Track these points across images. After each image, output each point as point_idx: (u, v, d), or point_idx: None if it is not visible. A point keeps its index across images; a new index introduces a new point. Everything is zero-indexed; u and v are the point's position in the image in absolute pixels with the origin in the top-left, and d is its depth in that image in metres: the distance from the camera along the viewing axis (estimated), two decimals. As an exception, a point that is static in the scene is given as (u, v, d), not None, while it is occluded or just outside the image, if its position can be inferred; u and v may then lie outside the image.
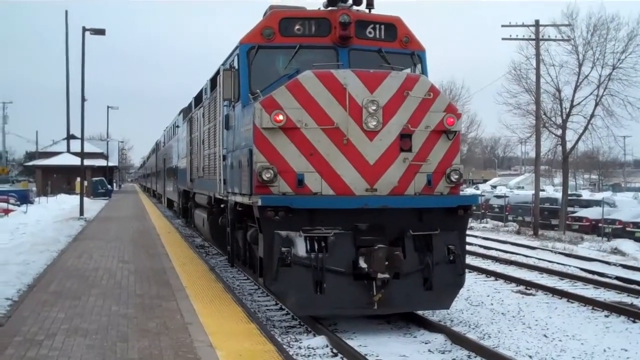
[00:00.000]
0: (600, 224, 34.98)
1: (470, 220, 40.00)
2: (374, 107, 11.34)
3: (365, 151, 11.43)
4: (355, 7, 12.76)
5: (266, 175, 11.21)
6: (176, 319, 10.25)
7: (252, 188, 11.67)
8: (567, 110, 39.27)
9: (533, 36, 37.53)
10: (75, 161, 51.81)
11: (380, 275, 10.96)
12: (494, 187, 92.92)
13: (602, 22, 38.91)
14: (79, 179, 44.17)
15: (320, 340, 10.73)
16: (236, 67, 13.13)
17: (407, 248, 11.41)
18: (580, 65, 38.95)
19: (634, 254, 26.46)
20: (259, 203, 10.98)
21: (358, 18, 12.75)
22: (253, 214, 11.66)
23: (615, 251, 27.49)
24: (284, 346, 9.99)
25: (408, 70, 13.04)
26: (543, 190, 51.27)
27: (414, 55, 13.37)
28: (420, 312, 12.46)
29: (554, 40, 39.01)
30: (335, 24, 12.52)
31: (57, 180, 65.02)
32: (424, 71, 13.29)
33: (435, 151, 11.95)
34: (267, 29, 12.71)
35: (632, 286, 17.48)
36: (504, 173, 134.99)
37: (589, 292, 16.75)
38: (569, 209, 40.89)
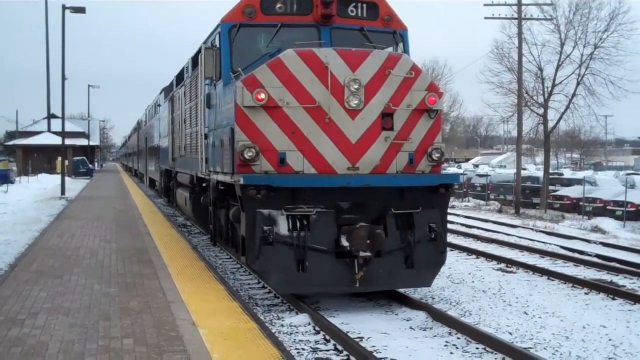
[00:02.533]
0: (581, 203, 35.21)
1: (452, 199, 40.11)
2: (355, 86, 11.35)
3: (347, 130, 11.45)
4: (337, -14, 12.71)
5: (248, 154, 11.20)
6: (158, 297, 10.25)
7: (234, 167, 11.67)
8: (549, 89, 39.33)
9: (515, 15, 37.54)
10: (56, 140, 51.66)
11: (362, 254, 11.02)
12: (476, 166, 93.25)
13: (585, 1, 38.87)
14: (60, 159, 44.07)
15: (302, 318, 10.78)
16: (217, 46, 13.09)
17: (388, 226, 11.47)
18: (562, 45, 38.98)
19: (614, 232, 26.74)
20: (241, 182, 10.98)
21: (340, -4, 12.72)
22: (235, 193, 11.66)
23: (596, 229, 27.75)
24: (267, 324, 10.00)
25: (390, 49, 13.03)
26: (525, 169, 51.48)
27: (395, 34, 13.36)
28: (402, 290, 12.52)
29: (536, 19, 39.01)
30: (317, 2, 12.49)
31: (38, 159, 64.81)
32: (405, 50, 13.28)
33: (417, 130, 11.98)
34: (249, 7, 12.66)
35: (612, 264, 17.67)
36: (486, 152, 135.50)
37: (569, 269, 16.90)
38: (551, 187, 41.10)
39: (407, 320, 11.20)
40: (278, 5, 12.69)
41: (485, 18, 37.88)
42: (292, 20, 12.70)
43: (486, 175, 49.42)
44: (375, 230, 11.13)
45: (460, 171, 57.34)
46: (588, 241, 22.99)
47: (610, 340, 10.52)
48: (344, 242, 11.06)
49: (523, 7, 37.48)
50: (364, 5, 13.07)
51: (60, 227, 19.76)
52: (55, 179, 43.19)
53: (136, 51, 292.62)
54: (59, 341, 7.92)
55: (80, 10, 36.40)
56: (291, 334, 10.15)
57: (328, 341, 9.80)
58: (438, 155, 12.16)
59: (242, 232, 11.63)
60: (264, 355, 7.55)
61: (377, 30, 13.14)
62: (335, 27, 12.73)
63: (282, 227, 11.05)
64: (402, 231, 11.58)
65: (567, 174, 58.39)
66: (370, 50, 11.83)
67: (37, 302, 9.92)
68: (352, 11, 12.97)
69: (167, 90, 26.65)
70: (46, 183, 44.04)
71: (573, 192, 38.65)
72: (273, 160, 11.37)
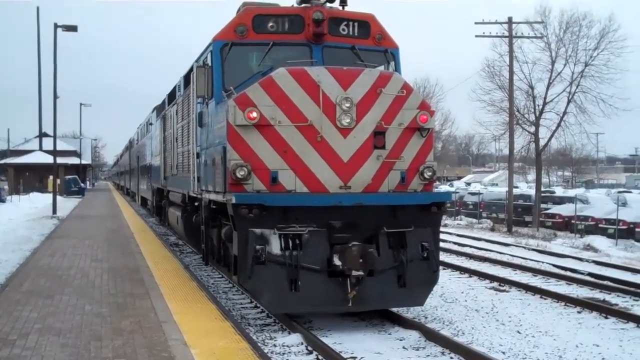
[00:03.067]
0: (573, 221, 35.24)
1: (444, 217, 40.09)
2: (347, 105, 11.35)
3: (339, 148, 11.44)
4: (328, 5, 12.76)
5: (240, 173, 11.17)
6: (150, 318, 10.18)
7: (226, 186, 11.63)
8: (540, 107, 39.47)
9: (506, 33, 37.72)
10: (48, 159, 51.49)
11: (354, 273, 10.99)
12: (468, 184, 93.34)
13: (575, 19, 39.13)
14: (51, 177, 43.93)
15: (295, 338, 10.72)
16: (209, 64, 13.08)
17: (381, 245, 11.44)
18: (553, 63, 39.17)
19: (607, 251, 26.75)
20: (233, 201, 10.94)
21: (331, 15, 12.76)
22: (227, 212, 11.62)
23: (588, 247, 27.77)
24: (259, 344, 9.95)
25: (381, 68, 13.08)
26: (517, 187, 51.57)
27: (387, 52, 13.40)
28: (394, 309, 12.47)
29: (527, 37, 39.21)
30: (308, 21, 12.51)
31: (30, 178, 64.64)
32: (397, 68, 13.32)
33: (409, 148, 11.98)
34: (241, 25, 12.68)
35: (604, 282, 17.66)
36: (478, 170, 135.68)
37: (562, 288, 16.89)
38: (543, 205, 41.15)
39: (400, 340, 11.15)
40: (270, 24, 12.71)
41: (476, 36, 38.06)
42: (284, 38, 12.72)
43: (478, 194, 49.46)
44: (367, 249, 11.10)
45: (452, 189, 57.44)
46: (580, 259, 23.01)
47: (603, 359, 10.50)
48: (337, 261, 11.02)
49: (514, 25, 37.69)
50: (356, 24, 13.11)
51: (51, 247, 19.65)
52: (47, 197, 43.07)
53: (128, 70, 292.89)
54: (49, 362, 7.86)
55: (72, 28, 36.44)
56: (284, 354, 10.09)
57: (321, 361, 9.74)
58: (430, 173, 12.15)
59: (235, 251, 11.58)
60: (256, 376, 7.50)
61: (368, 48, 13.17)
62: (327, 45, 12.76)
63: (275, 246, 11.01)
64: (394, 250, 11.55)
65: (559, 192, 58.47)
66: (362, 69, 11.85)
67: (28, 322, 9.85)
68: (343, 30, 13.00)
69: (159, 109, 26.64)
70: (37, 202, 43.92)
71: (565, 210, 38.70)
72: (265, 179, 11.34)
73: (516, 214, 39.59)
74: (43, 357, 8.05)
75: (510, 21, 37.44)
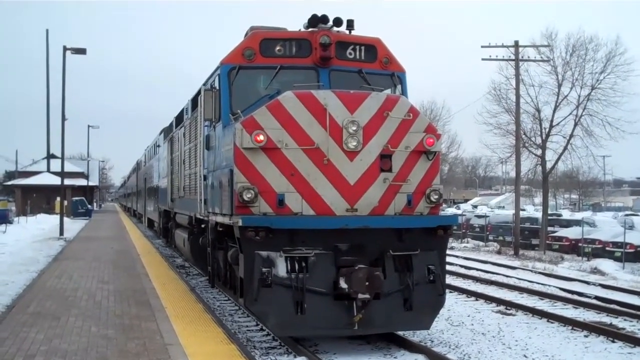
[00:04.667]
0: (580, 244, 35.11)
1: (451, 240, 39.89)
2: (354, 128, 11.40)
3: (346, 171, 11.47)
4: (335, 29, 12.83)
5: (247, 196, 11.21)
6: (156, 340, 10.19)
7: (232, 208, 11.67)
8: (547, 130, 39.56)
9: (512, 57, 37.82)
10: (55, 181, 51.69)
11: (360, 296, 10.98)
12: (475, 206, 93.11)
13: (581, 43, 39.29)
14: (58, 199, 44.02)
15: (300, 361, 10.71)
16: (217, 88, 13.16)
17: (387, 268, 11.45)
18: (559, 86, 39.31)
19: (614, 274, 26.63)
20: (240, 223, 10.97)
21: (338, 39, 12.84)
22: (234, 234, 11.65)
23: (595, 271, 27.66)
24: (264, 367, 9.97)
25: (388, 91, 13.13)
26: (523, 210, 51.42)
27: (394, 76, 13.46)
28: (400, 333, 12.44)
29: (533, 60, 39.35)
30: (315, 44, 12.60)
31: (37, 199, 64.74)
32: (404, 92, 13.37)
33: (415, 171, 12.01)
34: (248, 49, 12.77)
35: (612, 306, 17.59)
36: (485, 193, 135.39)
37: (569, 312, 16.83)
38: (549, 228, 41.06)
39: (406, 364, 11.13)
40: (277, 48, 12.80)
41: (483, 59, 38.12)
42: (291, 62, 12.80)
43: (485, 216, 49.36)
44: (374, 272, 11.10)
45: (459, 212, 57.27)
46: (587, 283, 22.93)
47: (610, 383, 10.46)
48: (343, 284, 11.02)
49: (520, 49, 37.77)
50: (363, 48, 13.19)
51: (58, 268, 19.69)
52: (54, 219, 43.15)
53: (136, 92, 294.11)
54: (55, 384, 7.87)
55: (81, 51, 36.71)
56: (289, 377, 10.08)
57: (326, 384, 9.73)
58: (436, 196, 12.17)
59: (241, 273, 11.59)
60: (262, 399, 7.49)
61: (375, 72, 13.24)
62: (333, 69, 12.83)
63: (281, 268, 11.03)
64: (400, 273, 11.56)
65: (566, 214, 58.30)
66: (369, 92, 11.91)
67: (34, 344, 9.86)
68: (350, 54, 13.08)
69: (167, 131, 26.73)
70: (45, 223, 43.96)
71: (572, 233, 38.57)
72: (272, 201, 11.37)
73: (523, 237, 39.49)
74: (49, 379, 8.07)
75: (516, 44, 37.54)
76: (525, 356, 11.96)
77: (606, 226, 40.03)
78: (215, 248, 14.55)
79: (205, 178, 15.08)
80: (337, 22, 12.75)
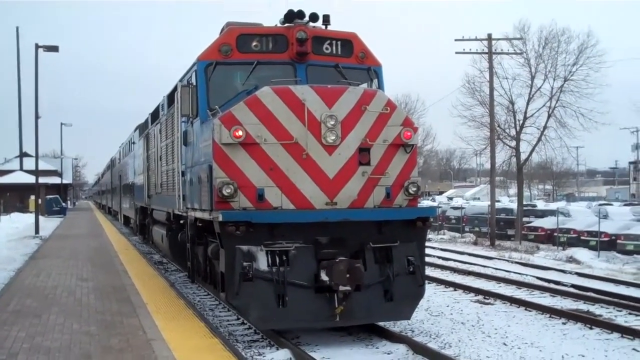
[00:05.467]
0: (555, 234, 35.47)
1: (428, 232, 40.16)
2: (332, 122, 11.48)
3: (325, 165, 11.56)
4: (311, 24, 12.88)
5: (226, 191, 11.26)
6: (139, 336, 10.22)
7: (212, 203, 11.71)
8: (521, 122, 39.83)
9: (486, 50, 38.04)
10: (29, 179, 51.33)
11: (341, 288, 11.09)
12: (450, 198, 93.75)
13: (553, 35, 39.56)
14: (33, 197, 43.72)
15: (283, 354, 10.77)
16: (194, 84, 13.17)
17: (367, 260, 11.56)
18: (532, 78, 39.57)
19: (589, 262, 26.98)
20: (220, 218, 11.02)
21: (315, 34, 12.90)
22: (214, 230, 11.69)
23: (571, 260, 27.99)
24: (248, 360, 10.04)
25: (365, 85, 13.22)
26: (499, 201, 51.80)
27: (370, 70, 13.55)
28: (381, 323, 12.57)
29: (506, 53, 39.54)
30: (292, 40, 12.65)
31: (10, 198, 64.13)
32: (380, 86, 13.46)
33: (394, 164, 12.12)
34: (225, 45, 12.79)
35: (588, 294, 17.83)
36: (459, 185, 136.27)
37: (546, 300, 17.05)
38: (525, 219, 41.40)
39: (388, 354, 11.25)
40: (254, 44, 12.83)
41: (457, 53, 38.26)
42: (268, 57, 12.84)
43: (461, 208, 49.70)
44: (354, 264, 11.21)
45: (436, 204, 57.61)
46: (563, 271, 23.21)
47: (589, 369, 10.64)
48: (324, 277, 11.12)
49: (493, 42, 37.99)
50: (339, 43, 13.26)
51: (36, 267, 19.60)
52: (29, 217, 42.87)
53: (108, 89, 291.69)
54: (40, 382, 7.89)
55: (54, 48, 36.45)
56: (273, 369, 10.15)
57: (310, 376, 9.81)
58: (414, 189, 12.30)
59: (222, 268, 11.65)
60: (247, 392, 7.56)
61: (351, 66, 13.32)
62: (310, 64, 12.90)
63: (262, 262, 11.10)
64: (381, 265, 11.68)
65: (541, 205, 58.83)
66: (346, 87, 11.99)
67: (17, 342, 9.86)
68: (327, 48, 13.14)
69: (142, 128, 26.64)
70: (19, 222, 43.61)
71: (547, 223, 38.94)
72: (251, 196, 11.43)
73: (499, 228, 39.80)
74: (33, 377, 8.09)
75: (489, 38, 37.75)
76: (504, 344, 12.13)
77: (580, 216, 40.51)
78: (194, 243, 14.56)
79: (183, 174, 15.08)
80: (313, 17, 12.80)
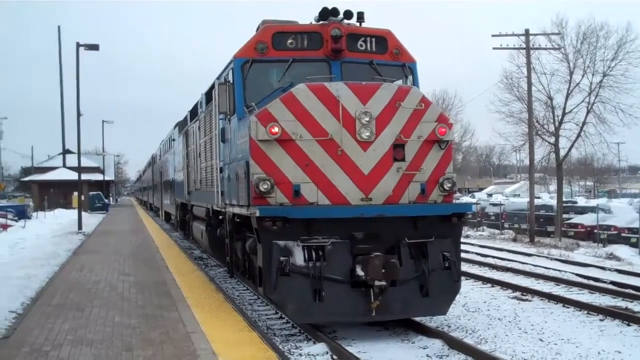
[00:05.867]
0: (595, 230, 35.16)
1: (466, 228, 39.99)
2: (367, 119, 11.59)
3: (360, 161, 11.67)
4: (346, 21, 13.03)
5: (263, 187, 11.43)
6: (179, 329, 10.46)
7: (249, 199, 11.89)
8: (560, 117, 39.52)
9: (523, 45, 37.79)
10: (72, 176, 52.12)
11: (377, 283, 11.18)
12: (490, 195, 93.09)
13: (592, 30, 39.21)
14: (76, 194, 44.43)
15: (320, 347, 10.91)
16: (231, 81, 13.38)
17: (403, 255, 11.64)
18: (571, 73, 39.24)
19: (629, 259, 26.67)
20: (257, 214, 11.19)
21: (349, 31, 13.03)
22: (251, 225, 11.87)
23: (611, 257, 27.69)
24: (285, 353, 10.20)
25: (399, 82, 13.31)
26: (538, 198, 51.48)
27: (405, 67, 13.63)
28: (418, 319, 12.64)
29: (544, 49, 39.24)
30: (327, 37, 12.80)
31: (54, 195, 65.26)
32: (415, 82, 13.54)
33: (428, 160, 12.18)
34: (261, 43, 12.97)
35: (627, 290, 17.68)
36: (499, 181, 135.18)
37: (585, 297, 16.96)
38: (565, 215, 41.07)
39: (424, 348, 11.31)
40: (289, 41, 12.99)
41: (494, 48, 38.06)
42: (303, 55, 13.00)
43: (500, 205, 49.39)
44: (389, 259, 11.31)
45: (474, 200, 57.33)
46: (603, 268, 23.00)
47: (624, 365, 10.61)
48: (359, 272, 11.23)
49: (531, 37, 37.72)
50: (373, 40, 13.36)
51: (79, 262, 20.03)
52: (72, 213, 43.53)
53: (149, 87, 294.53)
54: (83, 372, 8.14)
55: (94, 47, 36.95)
56: (309, 363, 10.30)
57: (345, 369, 9.94)
58: (450, 185, 12.35)
59: (259, 263, 11.82)
60: (283, 383, 7.72)
61: (386, 63, 13.42)
62: (345, 61, 13.03)
63: (298, 257, 11.24)
64: (416, 260, 11.74)
65: (581, 201, 58.26)
66: (380, 83, 12.08)
67: (61, 334, 10.16)
68: (361, 45, 13.26)
69: (181, 125, 27.02)
70: (62, 218, 44.36)
71: (587, 219, 38.56)
72: (288, 192, 11.58)
73: (538, 224, 39.53)
74: (76, 368, 8.34)
75: (527, 33, 37.49)
76: (541, 340, 12.13)
77: (621, 212, 39.95)
78: (233, 239, 14.78)
79: (221, 170, 15.31)
80: (348, 14, 12.95)
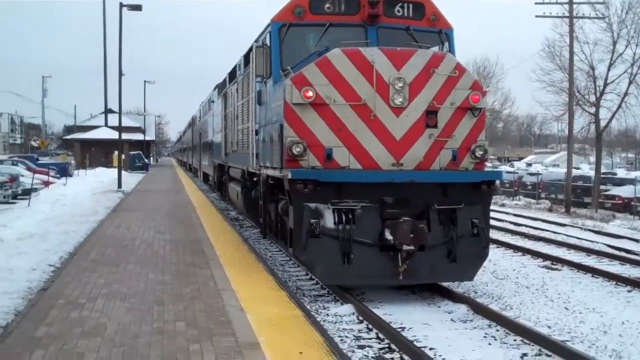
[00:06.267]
0: (632, 202, 34.87)
1: (502, 197, 39.71)
2: (400, 84, 11.68)
3: (392, 127, 11.79)
4: (384, -14, 13.04)
5: (296, 150, 11.62)
6: (210, 285, 10.75)
7: (282, 162, 12.11)
8: (601, 88, 39.01)
9: (567, 13, 37.29)
10: (113, 135, 52.81)
11: (405, 247, 11.36)
12: (529, 164, 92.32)
13: (638, 0, 38.50)
14: (116, 152, 45.05)
15: (347, 308, 11.16)
16: (268, 45, 13.52)
17: (431, 221, 11.78)
18: (614, 43, 38.59)
19: (665, 232, 26.48)
20: (289, 176, 11.41)
21: (386, -4, 13.06)
22: (284, 187, 12.09)
23: (646, 229, 27.52)
24: (312, 312, 10.43)
25: (435, 49, 13.33)
26: (578, 169, 51.00)
27: (441, 33, 13.64)
28: (445, 284, 12.81)
29: (588, 17, 38.67)
30: (364, 2, 12.86)
31: (95, 153, 66.25)
32: (451, 49, 13.54)
33: (461, 127, 12.25)
34: (298, 7, 13.07)
35: (659, 263, 17.62)
36: (540, 151, 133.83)
37: (614, 268, 16.94)
38: (602, 187, 40.72)
39: (449, 313, 11.49)
40: (327, 5, 13.07)
41: (537, 16, 37.68)
42: (340, 20, 13.07)
43: (537, 174, 49.09)
44: (418, 224, 11.46)
45: (512, 170, 56.98)
46: (637, 241, 22.85)
47: (648, 335, 10.66)
48: (388, 236, 11.41)
49: (575, 6, 37.24)
50: (410, 5, 13.38)
51: (116, 219, 20.47)
52: (112, 172, 44.17)
53: (191, 47, 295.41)
54: (116, 323, 8.45)
55: (137, 7, 37.26)
56: (335, 322, 10.54)
57: (370, 330, 10.17)
58: (481, 152, 12.42)
59: (290, 224, 12.05)
60: (308, 341, 7.95)
61: (422, 29, 13.44)
62: (381, 26, 13.08)
63: (329, 220, 11.44)
64: (445, 226, 11.88)
65: (621, 173, 57.60)
66: (415, 49, 12.14)
67: (96, 288, 10.50)
68: (398, 11, 13.29)
69: (221, 87, 27.26)
70: (103, 176, 45.02)
71: (625, 191, 38.26)
72: (320, 155, 11.76)
73: (575, 195, 39.30)
74: (110, 319, 8.64)
75: (571, 1, 36.98)
76: (566, 308, 12.23)
77: (661, 185, 39.55)
78: (266, 200, 15.02)
79: (257, 133, 15.52)
80: (386, -20, 12.98)
